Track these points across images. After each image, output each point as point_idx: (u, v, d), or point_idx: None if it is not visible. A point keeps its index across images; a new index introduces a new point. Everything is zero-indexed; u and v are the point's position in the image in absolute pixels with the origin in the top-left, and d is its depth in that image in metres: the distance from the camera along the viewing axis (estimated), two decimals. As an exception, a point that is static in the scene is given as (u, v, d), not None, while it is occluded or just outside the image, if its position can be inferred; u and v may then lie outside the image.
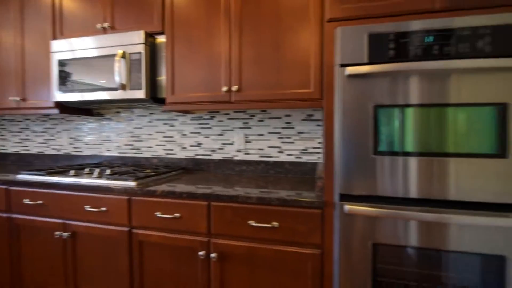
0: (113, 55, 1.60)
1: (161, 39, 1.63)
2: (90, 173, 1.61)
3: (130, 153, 2.09)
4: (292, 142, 1.77)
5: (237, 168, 1.85)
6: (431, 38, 0.99)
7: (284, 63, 1.42)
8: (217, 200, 1.23)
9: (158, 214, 1.29)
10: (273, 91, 1.44)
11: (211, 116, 1.91)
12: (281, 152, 1.79)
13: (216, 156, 1.91)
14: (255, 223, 1.18)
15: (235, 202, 1.21)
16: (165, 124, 2.01)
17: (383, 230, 1.03)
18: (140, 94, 1.56)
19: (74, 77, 1.69)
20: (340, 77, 1.06)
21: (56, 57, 1.72)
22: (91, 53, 1.65)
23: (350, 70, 1.03)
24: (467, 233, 0.97)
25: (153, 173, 1.56)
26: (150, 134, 2.04)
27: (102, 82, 1.63)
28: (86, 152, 2.20)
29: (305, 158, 1.75)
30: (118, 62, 1.54)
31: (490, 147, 0.94)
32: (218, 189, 1.30)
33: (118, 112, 2.12)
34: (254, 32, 1.45)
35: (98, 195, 1.40)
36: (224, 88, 1.49)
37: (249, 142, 1.84)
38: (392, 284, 1.05)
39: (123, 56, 1.57)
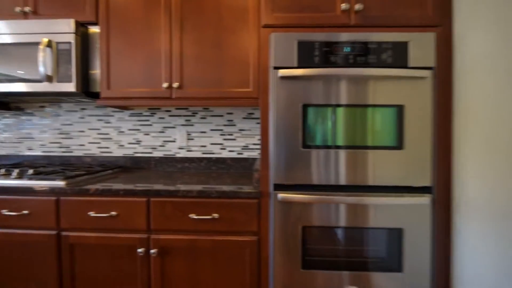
0: (36, 43, 1.45)
1: (94, 29, 1.54)
2: (8, 174, 1.43)
3: (57, 152, 1.91)
4: (234, 139, 1.84)
5: (179, 165, 1.84)
6: (348, 49, 1.17)
7: (226, 62, 1.48)
8: (157, 196, 1.23)
9: (92, 213, 1.23)
10: (214, 89, 1.49)
11: (152, 113, 1.87)
12: (223, 149, 1.85)
13: (157, 154, 1.87)
14: (196, 216, 1.21)
15: (175, 196, 1.23)
16: (99, 120, 1.89)
17: (310, 214, 1.18)
18: (70, 87, 1.45)
19: (-15, 64, 1.48)
20: (274, 79, 1.17)
21: (-41, 41, 1.48)
22: (6, 39, 1.46)
23: (282, 72, 1.14)
24: (378, 212, 1.17)
25: (84, 172, 1.47)
26: (82, 131, 1.90)
27: (21, 72, 1.46)
28: (1, 151, 1.93)
29: (246, 154, 1.84)
30: (43, 52, 1.41)
31: (390, 141, 1.16)
32: (158, 186, 1.29)
33: (42, 107, 1.91)
34: (196, 30, 1.48)
35: (19, 197, 1.26)
36: (165, 85, 1.48)
37: (192, 139, 1.86)
38: (319, 261, 1.20)
39: (49, 45, 1.44)
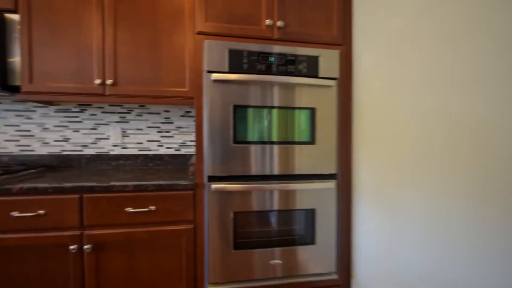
0: None
1: (11, 16, 1.43)
2: None
3: (-38, 151, 1.69)
4: (172, 136, 1.90)
5: (113, 162, 1.82)
6: (272, 59, 1.36)
7: (162, 63, 1.54)
8: (91, 192, 1.24)
9: (15, 214, 1.17)
10: (151, 87, 1.53)
11: (82, 109, 1.80)
12: (161, 146, 1.89)
13: (89, 152, 1.81)
14: (132, 209, 1.27)
15: (110, 192, 1.26)
16: (18, 116, 1.73)
17: (240, 201, 1.35)
18: (-17, 79, 1.33)
19: None
20: (207, 81, 1.30)
21: None
22: None
23: (214, 76, 1.28)
24: (289, 197, 1.40)
25: (2, 172, 1.36)
26: (-5, 128, 1.71)
27: None
28: None
29: (184, 151, 1.92)
30: None
31: (304, 136, 1.40)
32: (92, 183, 1.30)
33: None
34: (131, 29, 1.50)
35: None
36: (97, 81, 1.47)
37: (127, 136, 1.85)
38: (249, 242, 1.38)
39: (-46, 30, 1.29)
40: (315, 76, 1.40)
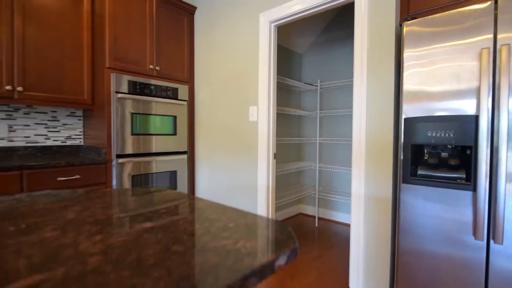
0: None
1: None
2: None
3: None
4: (58, 131, 2.42)
5: (1, 154, 2.13)
6: (152, 87, 2.41)
7: (66, 79, 2.16)
8: (31, 169, 1.80)
9: (-38, 188, 1.56)
10: (50, 94, 2.11)
11: (-39, 106, 1.98)
12: (48, 139, 2.37)
13: (-30, 144, 2.02)
14: (63, 178, 1.94)
15: (46, 167, 1.87)
16: None
17: (134, 168, 2.32)
18: None
19: None
20: (114, 98, 2.17)
21: None
22: None
23: (119, 95, 2.18)
24: (162, 164, 2.54)
25: None
26: None
27: None
28: None
29: (69, 142, 2.49)
30: None
31: (170, 131, 2.57)
32: (31, 162, 1.82)
33: None
34: (44, 52, 2.03)
35: None
36: (8, 87, 1.90)
37: (14, 131, 2.20)
38: (140, 193, 2.38)
39: None
40: (176, 98, 2.60)
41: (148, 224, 0.66)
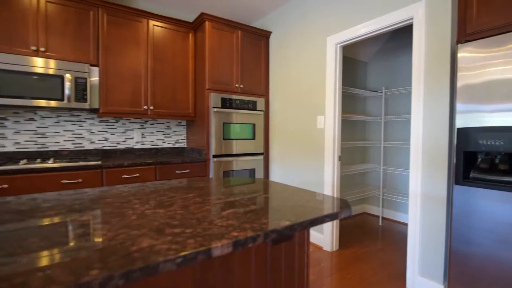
0: (60, 76, 2.28)
1: (92, 68, 2.51)
2: (45, 161, 2.19)
3: (32, 148, 2.52)
4: (170, 137, 3.25)
5: (137, 153, 3.02)
6: (237, 101, 3.03)
7: (178, 98, 2.93)
8: (161, 164, 2.57)
9: (124, 176, 2.39)
10: (168, 110, 2.90)
11: (116, 120, 2.91)
12: (164, 142, 3.21)
13: (120, 147, 2.94)
14: (179, 171, 2.67)
15: (169, 164, 2.62)
16: (73, 124, 2.70)
17: (225, 165, 2.96)
18: (85, 105, 2.40)
19: (14, 86, 2.12)
20: (211, 111, 2.84)
21: None
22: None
23: (215, 109, 2.84)
24: (244, 163, 3.13)
25: (92, 158, 2.47)
26: (57, 132, 2.62)
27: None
28: (-34, 150, 2.28)
29: (178, 145, 3.30)
30: (68, 82, 2.29)
31: (250, 136, 3.15)
32: (163, 159, 2.61)
33: (16, 113, 2.45)
34: (164, 79, 2.83)
35: (72, 172, 2.19)
36: (145, 107, 2.74)
37: (144, 137, 3.08)
38: (228, 185, 3.02)
39: (71, 79, 2.32)
40: (255, 109, 3.17)
41: (265, 195, 1.16)
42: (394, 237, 2.93)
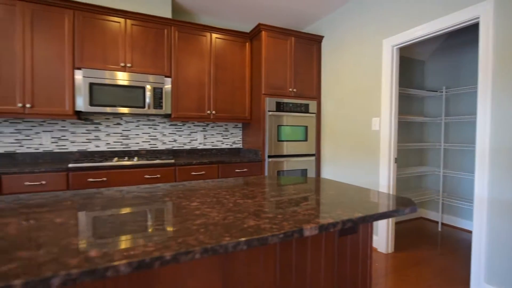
0: (142, 87, 2.69)
1: (166, 79, 2.89)
2: (130, 159, 2.62)
3: (119, 148, 3.00)
4: (228, 138, 3.54)
5: (199, 153, 3.37)
6: (290, 105, 3.20)
7: (236, 103, 3.20)
8: (222, 163, 2.86)
9: (193, 173, 2.72)
10: (227, 114, 3.17)
11: (183, 123, 3.29)
12: (222, 143, 3.51)
13: (186, 147, 3.31)
14: (238, 170, 2.93)
15: (229, 163, 2.89)
16: (149, 128, 3.13)
17: (280, 165, 3.15)
18: (161, 111, 2.78)
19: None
20: (267, 115, 3.05)
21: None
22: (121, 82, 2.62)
23: (270, 113, 3.04)
24: (297, 164, 3.27)
25: (165, 157, 2.84)
26: (137, 134, 3.08)
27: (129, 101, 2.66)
28: (72, 149, 2.82)
29: (235, 146, 3.58)
30: (149, 91, 2.69)
31: (303, 137, 3.29)
32: (225, 159, 2.90)
33: (107, 119, 2.95)
34: (224, 86, 3.12)
35: (152, 168, 2.57)
36: (208, 111, 3.05)
37: (206, 138, 3.42)
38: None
39: (150, 88, 2.71)
40: (307, 112, 3.30)
41: (331, 192, 1.30)
42: (455, 243, 2.80)
